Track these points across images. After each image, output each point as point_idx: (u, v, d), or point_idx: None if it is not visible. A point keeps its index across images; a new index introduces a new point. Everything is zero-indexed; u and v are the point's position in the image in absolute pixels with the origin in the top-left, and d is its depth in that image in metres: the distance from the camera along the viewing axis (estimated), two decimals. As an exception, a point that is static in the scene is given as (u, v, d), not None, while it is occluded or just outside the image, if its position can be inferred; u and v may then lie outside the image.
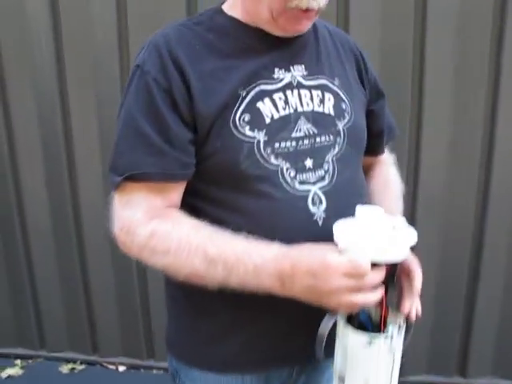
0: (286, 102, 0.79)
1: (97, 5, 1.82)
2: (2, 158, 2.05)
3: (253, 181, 0.76)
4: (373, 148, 0.99)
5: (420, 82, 1.76)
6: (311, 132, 0.80)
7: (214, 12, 0.84)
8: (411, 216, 1.85)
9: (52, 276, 2.16)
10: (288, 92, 0.80)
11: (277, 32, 0.80)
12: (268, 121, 0.77)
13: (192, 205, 0.80)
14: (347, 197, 0.82)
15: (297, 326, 0.82)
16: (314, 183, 0.79)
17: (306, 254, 0.68)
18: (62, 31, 1.87)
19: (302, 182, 0.79)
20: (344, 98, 0.86)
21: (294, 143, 0.79)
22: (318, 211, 0.78)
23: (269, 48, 0.81)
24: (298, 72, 0.82)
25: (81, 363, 2.24)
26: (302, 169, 0.79)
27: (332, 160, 0.82)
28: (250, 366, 0.86)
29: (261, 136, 0.76)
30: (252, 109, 0.77)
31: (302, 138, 0.79)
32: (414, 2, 1.69)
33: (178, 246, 0.72)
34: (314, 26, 0.88)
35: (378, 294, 0.68)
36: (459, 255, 1.91)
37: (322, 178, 0.80)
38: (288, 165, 0.78)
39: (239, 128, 0.76)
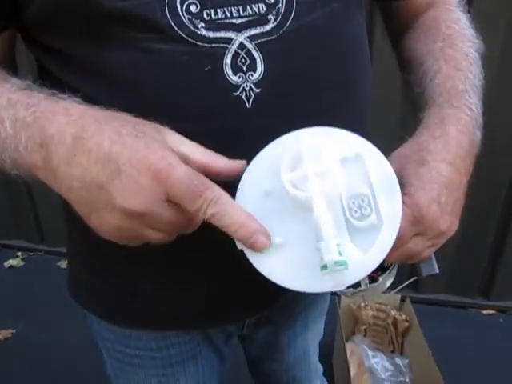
0: None
1: None
2: None
3: (114, 21, 0.43)
4: None
5: None
6: None
7: None
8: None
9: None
10: None
11: None
12: None
13: (41, 64, 0.50)
14: (314, 62, 0.45)
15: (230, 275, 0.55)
16: (241, 28, 0.44)
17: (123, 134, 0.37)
18: None
19: (213, 25, 0.43)
20: None
21: None
22: (246, 81, 0.44)
23: None
24: None
25: (79, 259, 2.18)
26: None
27: None
28: (167, 322, 0.61)
29: None
30: None
31: None
32: None
33: None
34: None
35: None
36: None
37: (262, 20, 0.44)
38: None
39: None
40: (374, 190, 0.38)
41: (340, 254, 0.35)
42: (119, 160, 0.35)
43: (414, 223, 0.42)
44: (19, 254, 2.25)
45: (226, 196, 0.37)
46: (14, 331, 1.77)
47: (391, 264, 0.46)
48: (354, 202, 0.38)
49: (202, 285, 0.55)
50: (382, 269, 0.45)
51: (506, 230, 1.68)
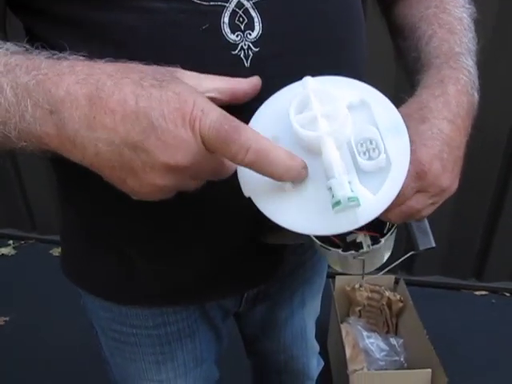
0: None
1: None
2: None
3: None
4: None
5: None
6: None
7: None
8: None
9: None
10: None
11: None
12: None
13: (31, 33, 0.48)
14: (312, 23, 0.45)
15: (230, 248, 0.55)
16: None
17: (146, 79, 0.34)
18: None
19: None
20: None
21: None
22: (244, 40, 0.43)
23: None
24: None
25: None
26: None
27: None
28: (165, 297, 0.61)
29: None
30: None
31: None
32: None
33: None
34: None
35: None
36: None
37: None
38: None
39: None
40: (382, 133, 0.37)
41: (352, 190, 0.34)
42: (151, 115, 0.32)
43: (417, 179, 0.42)
44: (11, 242, 2.23)
45: (262, 140, 0.34)
46: (7, 319, 1.76)
47: (392, 226, 0.45)
48: (361, 145, 0.37)
49: (199, 255, 0.54)
50: (382, 233, 0.45)
51: (498, 212, 1.69)
